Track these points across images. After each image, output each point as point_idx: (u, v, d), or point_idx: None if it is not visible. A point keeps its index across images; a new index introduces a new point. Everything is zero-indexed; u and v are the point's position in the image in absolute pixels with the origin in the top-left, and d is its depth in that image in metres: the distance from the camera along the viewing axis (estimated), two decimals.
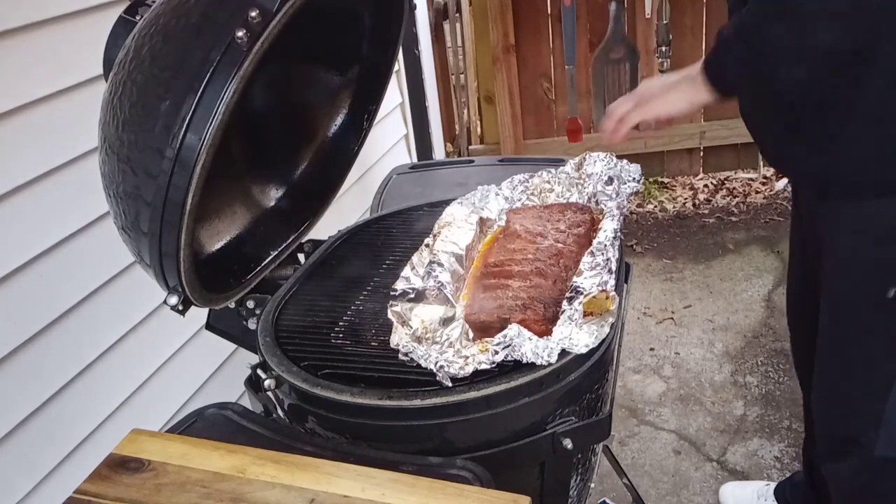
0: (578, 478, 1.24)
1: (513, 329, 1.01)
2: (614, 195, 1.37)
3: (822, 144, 1.24)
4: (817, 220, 1.37)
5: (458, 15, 3.85)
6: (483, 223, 1.38)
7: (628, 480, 1.90)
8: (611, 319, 1.07)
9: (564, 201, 1.46)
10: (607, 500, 1.98)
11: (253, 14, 0.90)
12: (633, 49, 1.48)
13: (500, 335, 1.01)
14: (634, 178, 1.39)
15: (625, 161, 1.43)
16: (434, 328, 1.06)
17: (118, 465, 0.91)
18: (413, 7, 2.71)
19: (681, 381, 2.53)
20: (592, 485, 1.35)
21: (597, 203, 1.41)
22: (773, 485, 1.98)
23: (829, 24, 1.09)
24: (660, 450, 2.26)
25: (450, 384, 0.99)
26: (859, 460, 1.39)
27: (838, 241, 1.31)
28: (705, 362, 2.59)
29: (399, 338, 1.04)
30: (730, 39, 1.19)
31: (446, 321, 1.07)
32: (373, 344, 1.15)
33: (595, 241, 1.21)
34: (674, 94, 1.27)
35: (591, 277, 1.12)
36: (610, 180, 1.39)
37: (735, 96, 1.25)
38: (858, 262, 1.29)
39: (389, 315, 1.08)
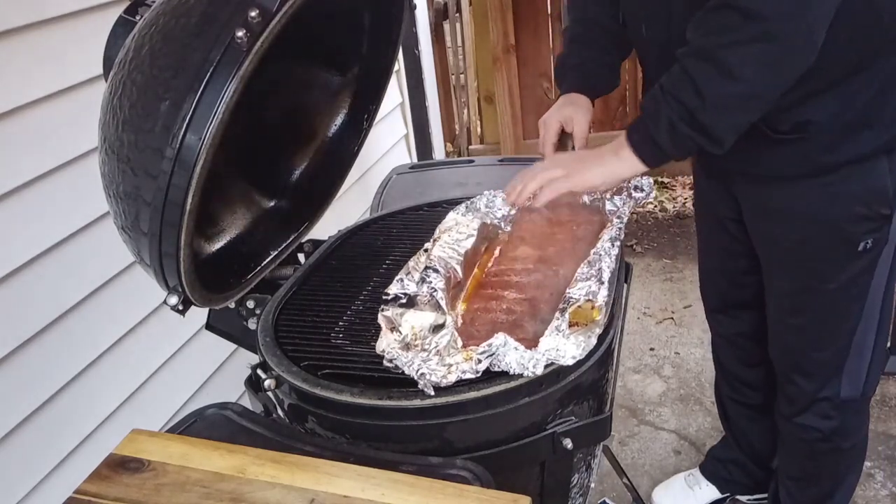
0: (578, 478, 1.24)
1: (499, 338, 1.00)
2: (622, 205, 1.36)
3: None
4: (763, 199, 1.40)
5: (458, 15, 3.85)
6: (485, 229, 1.36)
7: (628, 480, 1.90)
8: (598, 330, 1.05)
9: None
10: (607, 500, 1.98)
11: (253, 14, 0.90)
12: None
13: (484, 344, 1.00)
14: (644, 189, 1.38)
15: None
16: (423, 335, 1.05)
17: (118, 465, 0.91)
18: (413, 7, 2.71)
19: (681, 381, 2.53)
20: (592, 485, 1.35)
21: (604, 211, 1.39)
22: (693, 470, 2.04)
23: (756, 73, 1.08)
24: (660, 450, 2.26)
25: (433, 392, 0.98)
26: (825, 407, 1.52)
27: (804, 210, 1.34)
28: (705, 362, 2.59)
29: (386, 344, 1.04)
30: (657, 103, 1.14)
31: (436, 328, 1.06)
32: (372, 344, 1.15)
33: (592, 251, 1.20)
34: (604, 167, 1.21)
35: (581, 288, 1.11)
36: (619, 190, 1.38)
37: (663, 163, 1.21)
38: (828, 225, 1.33)
39: (379, 320, 1.07)
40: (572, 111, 1.37)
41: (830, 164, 1.27)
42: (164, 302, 1.05)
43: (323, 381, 1.05)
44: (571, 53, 1.46)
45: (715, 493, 1.98)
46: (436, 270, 1.15)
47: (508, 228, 1.39)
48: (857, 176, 1.27)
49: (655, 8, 1.29)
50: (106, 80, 1.04)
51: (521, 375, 1.00)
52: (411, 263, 1.21)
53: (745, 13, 1.04)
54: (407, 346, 1.03)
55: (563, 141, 1.38)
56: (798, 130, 1.25)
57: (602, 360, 1.10)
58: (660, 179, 3.92)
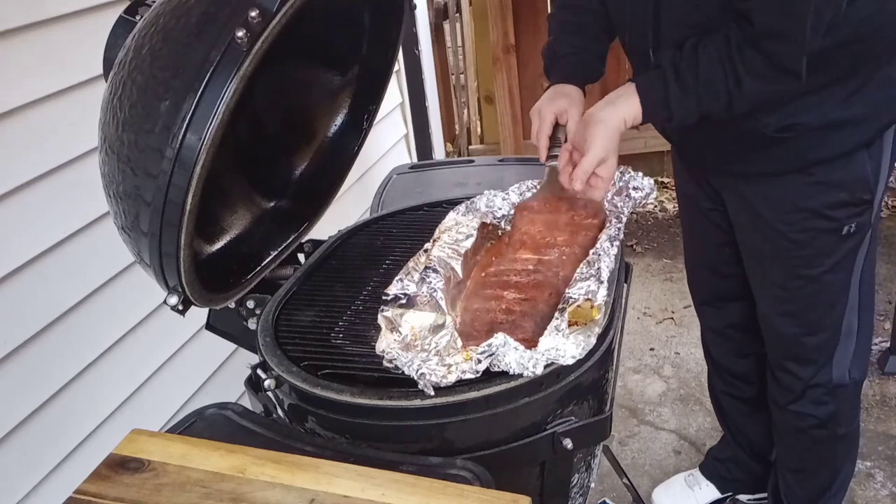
0: (578, 478, 1.24)
1: (498, 338, 1.00)
2: (622, 206, 1.35)
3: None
4: (748, 194, 1.42)
5: (458, 15, 3.86)
6: (485, 229, 1.35)
7: (628, 480, 1.90)
8: (597, 329, 1.05)
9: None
10: (607, 500, 1.98)
11: (253, 14, 0.90)
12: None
13: (484, 344, 1.00)
14: (644, 189, 1.37)
15: (640, 174, 1.40)
16: (423, 335, 1.05)
17: (118, 465, 0.91)
18: (413, 7, 2.71)
19: (681, 381, 2.53)
20: (592, 485, 1.35)
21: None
22: (693, 470, 2.05)
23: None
24: (660, 450, 2.26)
25: (432, 392, 0.98)
26: (819, 392, 1.55)
27: (789, 200, 1.36)
28: (705, 362, 2.59)
29: (386, 344, 1.04)
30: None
31: (436, 328, 1.06)
32: (372, 344, 1.15)
33: (591, 251, 1.20)
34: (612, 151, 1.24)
35: (580, 287, 1.10)
36: (620, 191, 1.37)
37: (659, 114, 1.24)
38: (813, 213, 1.35)
39: (379, 320, 1.07)
40: (566, 104, 1.36)
41: (815, 160, 1.30)
42: (164, 302, 1.05)
43: (323, 381, 1.05)
44: (560, 42, 1.44)
45: (715, 493, 1.99)
46: (436, 270, 1.15)
47: (508, 228, 1.38)
48: (840, 167, 1.30)
49: (639, 21, 1.29)
50: (106, 81, 1.04)
51: (520, 375, 1.00)
52: (411, 263, 1.21)
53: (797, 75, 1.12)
54: (407, 346, 1.03)
55: (556, 132, 1.38)
56: (786, 131, 1.28)
57: (602, 359, 1.10)
58: (660, 179, 3.92)
